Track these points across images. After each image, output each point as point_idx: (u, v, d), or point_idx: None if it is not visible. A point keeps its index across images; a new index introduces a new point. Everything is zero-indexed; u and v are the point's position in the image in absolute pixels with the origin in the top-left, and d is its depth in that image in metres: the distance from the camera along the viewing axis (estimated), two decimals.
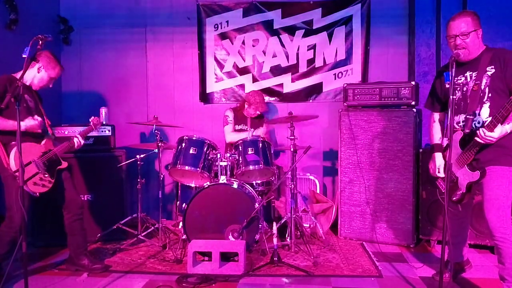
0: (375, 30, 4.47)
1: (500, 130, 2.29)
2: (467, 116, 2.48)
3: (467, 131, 2.46)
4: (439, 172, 2.71)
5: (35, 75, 2.95)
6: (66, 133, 3.66)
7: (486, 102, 2.43)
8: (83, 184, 3.78)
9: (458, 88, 2.56)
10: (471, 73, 2.50)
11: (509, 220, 2.42)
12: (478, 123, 2.44)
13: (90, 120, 3.23)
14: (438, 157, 2.73)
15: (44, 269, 3.19)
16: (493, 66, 2.42)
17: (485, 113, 2.43)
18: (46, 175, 2.89)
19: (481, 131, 2.31)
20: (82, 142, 3.14)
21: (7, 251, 2.80)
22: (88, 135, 3.77)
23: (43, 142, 2.99)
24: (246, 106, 4.18)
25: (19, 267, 2.64)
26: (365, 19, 4.46)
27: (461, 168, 2.52)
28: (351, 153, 3.83)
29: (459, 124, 2.54)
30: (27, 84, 2.93)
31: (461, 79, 2.55)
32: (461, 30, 2.43)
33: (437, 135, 2.82)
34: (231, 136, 4.15)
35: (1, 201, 2.84)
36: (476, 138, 2.34)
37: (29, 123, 2.84)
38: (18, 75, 2.85)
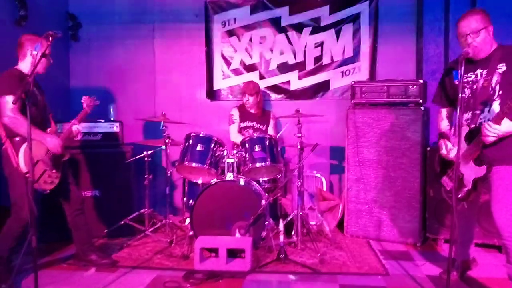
0: (383, 28, 4.44)
1: (508, 125, 2.25)
2: (475, 112, 2.46)
3: (473, 126, 2.45)
4: (450, 153, 2.59)
5: (32, 60, 2.70)
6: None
7: (496, 99, 2.40)
8: (91, 179, 3.80)
9: (468, 86, 2.52)
10: (481, 70, 2.47)
11: None
12: (487, 118, 2.40)
13: (82, 101, 3.12)
14: (446, 142, 2.64)
15: (52, 263, 3.22)
16: (504, 64, 2.38)
17: (495, 109, 2.39)
18: (54, 171, 2.87)
19: (487, 123, 2.28)
20: (80, 128, 3.10)
21: (15, 245, 2.81)
22: (95, 130, 3.84)
23: None
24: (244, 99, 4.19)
25: (29, 261, 2.66)
26: (373, 16, 4.44)
27: (467, 164, 2.50)
28: (358, 151, 3.82)
29: (467, 121, 2.52)
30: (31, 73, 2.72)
31: (471, 77, 2.51)
32: (471, 28, 2.40)
33: (444, 126, 2.78)
34: (236, 136, 4.16)
35: (7, 195, 2.84)
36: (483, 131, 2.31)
37: (51, 143, 2.82)
38: (19, 66, 2.81)
